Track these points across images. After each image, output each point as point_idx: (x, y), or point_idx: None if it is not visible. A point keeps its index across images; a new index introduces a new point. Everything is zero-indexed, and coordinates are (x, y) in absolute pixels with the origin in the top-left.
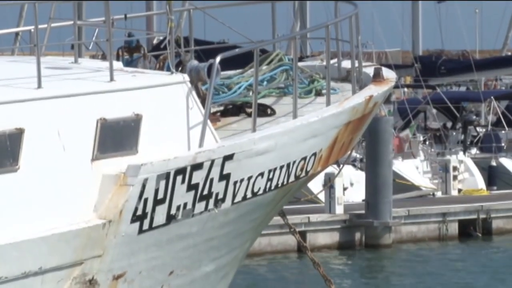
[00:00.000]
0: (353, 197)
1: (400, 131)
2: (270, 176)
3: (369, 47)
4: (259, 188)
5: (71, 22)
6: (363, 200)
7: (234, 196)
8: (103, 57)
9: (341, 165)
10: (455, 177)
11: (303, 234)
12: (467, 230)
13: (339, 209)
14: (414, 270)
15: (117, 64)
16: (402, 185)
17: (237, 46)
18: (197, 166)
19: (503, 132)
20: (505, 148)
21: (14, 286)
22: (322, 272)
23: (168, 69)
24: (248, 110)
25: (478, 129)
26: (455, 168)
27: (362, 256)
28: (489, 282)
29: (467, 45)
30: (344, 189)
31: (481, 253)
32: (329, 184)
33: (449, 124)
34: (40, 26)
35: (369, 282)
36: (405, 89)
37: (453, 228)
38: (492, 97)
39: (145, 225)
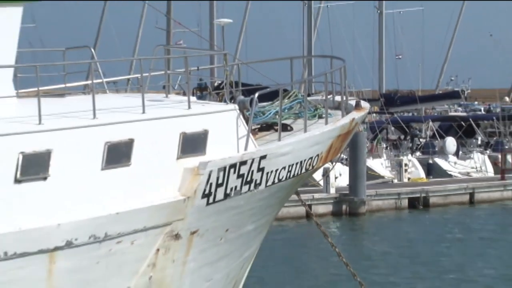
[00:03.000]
0: (341, 183)
1: (372, 141)
2: (290, 169)
3: (351, 87)
4: (283, 177)
5: (163, 72)
6: (347, 184)
7: (266, 181)
8: (184, 94)
9: (334, 163)
10: (406, 170)
11: (309, 206)
12: (413, 204)
13: (332, 190)
14: (379, 229)
15: (193, 98)
16: (372, 175)
17: (268, 87)
18: (243, 163)
19: (436, 141)
20: (437, 151)
21: (127, 238)
22: (322, 230)
23: (225, 101)
24: (275, 127)
25: (420, 140)
26: (406, 164)
27: (346, 220)
28: (426, 236)
29: (413, 86)
30: (336, 177)
31: (422, 219)
32: (326, 174)
33: (402, 137)
34: (144, 74)
35: (351, 236)
36: (374, 114)
37: (405, 203)
38: (429, 119)
39: (210, 200)
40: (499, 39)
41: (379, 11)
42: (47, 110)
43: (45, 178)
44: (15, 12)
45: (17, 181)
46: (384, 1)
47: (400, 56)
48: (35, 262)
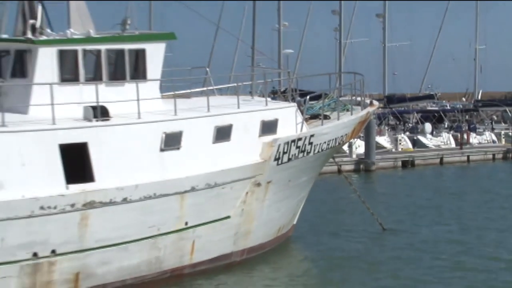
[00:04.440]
0: (360, 151)
1: (378, 126)
2: (328, 143)
3: (366, 92)
4: (324, 148)
5: (250, 82)
6: (363, 152)
7: (314, 150)
8: (263, 96)
9: (356, 139)
10: (400, 143)
11: (340, 165)
12: (405, 164)
13: (354, 155)
14: (383, 180)
15: (268, 99)
16: (379, 146)
17: (315, 92)
18: (300, 139)
19: (419, 126)
20: (419, 132)
21: (228, 185)
22: (348, 180)
23: (288, 101)
24: (320, 117)
25: (409, 124)
26: (400, 140)
27: (363, 174)
28: (412, 184)
29: (405, 91)
30: (356, 148)
31: (410, 174)
32: (350, 146)
33: (397, 123)
34: (239, 84)
35: (366, 184)
36: (380, 108)
37: (399, 164)
38: (415, 112)
39: (279, 162)
40: (459, 60)
41: (383, 45)
42: (179, 106)
43: (178, 148)
44: (160, 47)
45: (161, 150)
46: (386, 38)
47: (396, 73)
48: (172, 200)
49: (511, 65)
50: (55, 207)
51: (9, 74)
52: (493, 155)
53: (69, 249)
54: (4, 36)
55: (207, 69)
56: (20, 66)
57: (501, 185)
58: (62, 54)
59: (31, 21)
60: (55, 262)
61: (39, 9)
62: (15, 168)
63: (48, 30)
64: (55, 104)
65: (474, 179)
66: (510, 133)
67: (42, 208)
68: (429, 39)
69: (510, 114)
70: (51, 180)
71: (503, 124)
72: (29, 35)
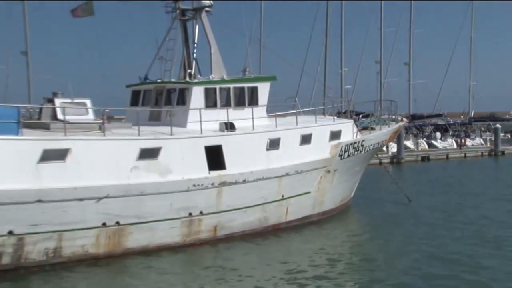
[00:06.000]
0: (393, 149)
1: (406, 133)
2: (374, 145)
3: (397, 112)
4: (371, 148)
5: (323, 107)
6: (396, 150)
7: (364, 150)
8: (331, 115)
9: (391, 142)
10: (419, 145)
11: (380, 159)
12: (423, 159)
13: (390, 153)
14: (409, 169)
15: (335, 117)
16: (406, 147)
17: (364, 112)
18: (354, 142)
19: (432, 134)
20: (432, 138)
21: (309, 172)
22: (386, 169)
23: (348, 118)
24: (368, 129)
25: (426, 133)
26: (420, 143)
27: (396, 166)
28: (427, 171)
29: (423, 111)
30: (391, 148)
31: (426, 165)
32: (388, 147)
33: (418, 132)
34: (316, 108)
35: (397, 171)
36: (407, 123)
37: (419, 158)
38: (429, 125)
39: (342, 157)
40: (459, 91)
41: (409, 82)
42: (278, 122)
43: (278, 149)
44: (267, 85)
45: (267, 150)
46: (411, 78)
47: (416, 99)
48: (273, 181)
49: (493, 95)
50: (202, 185)
51: (175, 103)
52: (482, 153)
53: (210, 211)
54: (173, 79)
55: (296, 98)
56: (182, 98)
57: (486, 172)
58: (207, 91)
59: (189, 70)
60: (202, 219)
61: (194, 63)
62: (178, 160)
63: (199, 75)
64: (202, 121)
65: (469, 168)
66: (493, 139)
67: (194, 185)
68: (439, 78)
69: (493, 126)
70: (199, 168)
71: (488, 133)
72: (187, 79)
